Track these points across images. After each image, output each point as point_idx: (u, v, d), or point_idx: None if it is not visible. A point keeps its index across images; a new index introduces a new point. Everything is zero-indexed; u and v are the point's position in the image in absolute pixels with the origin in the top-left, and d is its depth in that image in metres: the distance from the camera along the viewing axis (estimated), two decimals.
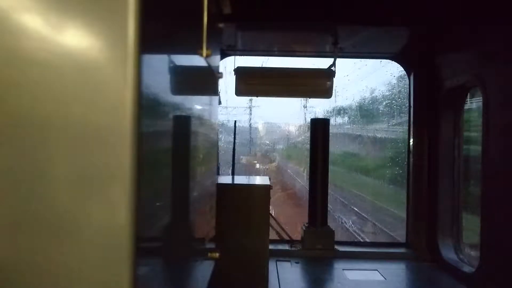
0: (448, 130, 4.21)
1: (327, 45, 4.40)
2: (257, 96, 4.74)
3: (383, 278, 3.79)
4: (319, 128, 4.72)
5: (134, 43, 0.90)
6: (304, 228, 4.55)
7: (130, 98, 0.91)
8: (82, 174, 0.91)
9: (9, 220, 0.91)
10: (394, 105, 10.48)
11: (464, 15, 3.49)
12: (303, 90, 4.45)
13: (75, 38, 0.92)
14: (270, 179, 3.90)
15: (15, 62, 0.91)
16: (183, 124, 1.62)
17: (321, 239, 4.46)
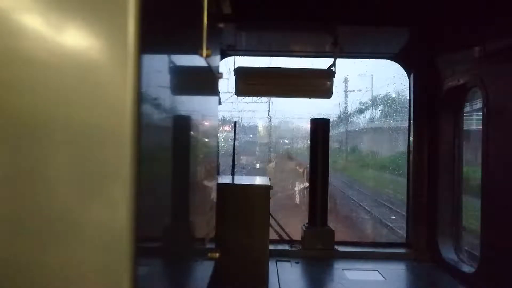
0: (448, 130, 4.21)
1: (327, 45, 4.39)
2: (257, 96, 4.75)
3: (383, 278, 3.79)
4: (319, 128, 4.72)
5: (134, 43, 0.90)
6: (304, 228, 4.55)
7: (130, 98, 0.91)
8: (82, 174, 0.91)
9: (9, 220, 0.91)
10: None
11: (464, 15, 3.49)
12: (303, 90, 4.45)
13: (75, 38, 0.92)
14: (270, 179, 3.90)
15: (15, 62, 0.91)
16: (183, 124, 1.62)
17: (321, 239, 4.46)
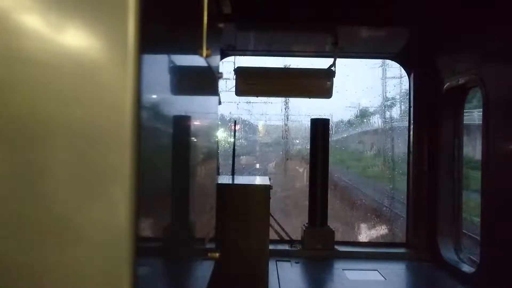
0: (448, 130, 4.21)
1: (327, 45, 4.40)
2: (257, 96, 4.75)
3: (383, 278, 3.79)
4: (319, 128, 4.72)
5: (134, 43, 0.90)
6: (304, 228, 4.55)
7: (130, 98, 0.91)
8: (82, 174, 0.91)
9: (9, 220, 0.91)
10: None
11: (464, 15, 3.49)
12: (303, 90, 4.45)
13: (75, 38, 0.91)
14: (270, 179, 3.90)
15: (15, 62, 0.91)
16: (183, 124, 1.62)
17: (321, 239, 4.46)
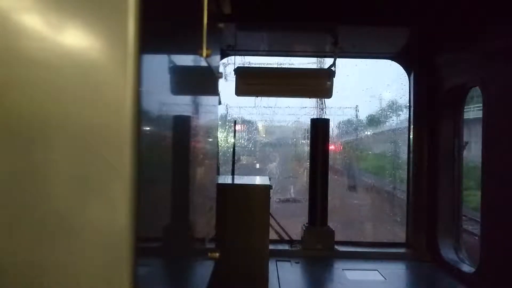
0: (448, 130, 4.21)
1: (327, 45, 4.40)
2: (257, 96, 4.75)
3: (383, 278, 3.79)
4: (319, 128, 4.72)
5: (134, 43, 0.90)
6: (304, 228, 4.55)
7: (130, 98, 0.91)
8: (82, 174, 0.91)
9: (9, 220, 0.91)
10: None
11: (464, 15, 3.49)
12: (303, 90, 4.46)
13: (75, 38, 0.92)
14: (270, 179, 3.90)
15: (15, 62, 0.91)
16: (183, 124, 1.62)
17: (321, 239, 4.46)
